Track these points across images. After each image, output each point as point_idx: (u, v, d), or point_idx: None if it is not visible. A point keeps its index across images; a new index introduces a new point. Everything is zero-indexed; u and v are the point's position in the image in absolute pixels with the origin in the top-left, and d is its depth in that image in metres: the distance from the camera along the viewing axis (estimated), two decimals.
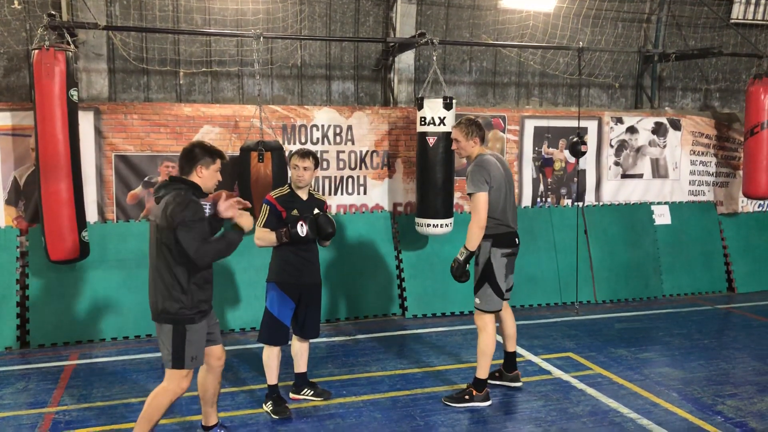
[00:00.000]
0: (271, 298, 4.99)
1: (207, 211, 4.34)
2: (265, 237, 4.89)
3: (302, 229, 4.82)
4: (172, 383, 4.04)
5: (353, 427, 4.80)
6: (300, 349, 5.23)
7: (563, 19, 8.75)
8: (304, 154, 4.97)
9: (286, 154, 7.13)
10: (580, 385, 5.60)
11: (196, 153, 4.05)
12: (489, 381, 5.49)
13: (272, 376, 5.04)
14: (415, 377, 5.79)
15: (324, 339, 6.74)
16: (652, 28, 9.56)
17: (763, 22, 9.92)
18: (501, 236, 5.16)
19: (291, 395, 5.29)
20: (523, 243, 8.21)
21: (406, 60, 8.38)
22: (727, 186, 9.57)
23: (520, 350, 6.51)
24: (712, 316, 7.94)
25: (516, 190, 5.57)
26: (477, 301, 5.19)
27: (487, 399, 5.21)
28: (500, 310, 5.25)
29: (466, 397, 5.18)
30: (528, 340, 6.86)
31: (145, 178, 7.25)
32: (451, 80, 8.76)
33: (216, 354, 4.31)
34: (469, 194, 5.07)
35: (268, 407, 5.04)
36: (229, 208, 4.13)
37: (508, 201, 5.22)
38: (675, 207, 9.18)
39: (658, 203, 9.15)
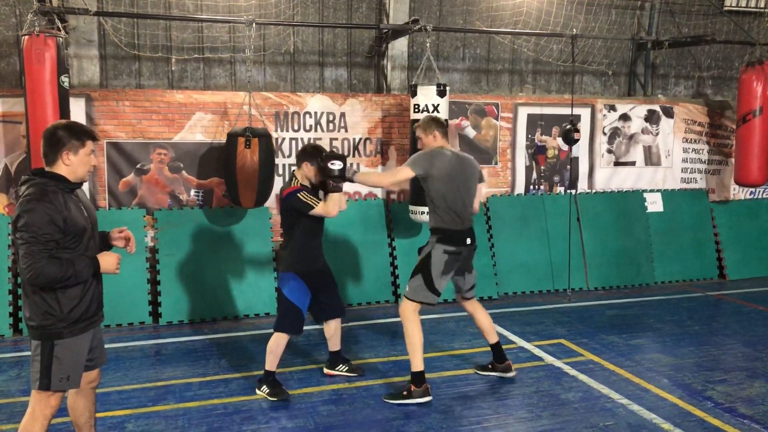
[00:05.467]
0: (291, 288, 5.02)
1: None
2: (332, 202, 4.94)
3: (339, 167, 4.82)
4: (38, 406, 3.43)
5: (346, 413, 4.82)
6: (335, 330, 5.39)
7: (557, 5, 8.73)
8: None
9: (275, 138, 7.11)
10: (572, 372, 5.64)
11: (60, 137, 3.33)
12: (482, 374, 5.55)
13: (274, 363, 5.06)
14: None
15: (318, 326, 6.74)
16: (646, 15, 9.55)
17: (756, 10, 9.93)
18: (450, 233, 5.05)
19: (325, 370, 5.47)
20: (515, 230, 8.37)
21: (399, 47, 8.35)
22: (719, 174, 9.61)
23: (512, 337, 6.55)
24: (703, 303, 8.00)
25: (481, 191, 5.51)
26: (407, 289, 5.14)
27: (426, 394, 5.02)
28: (432, 304, 5.18)
29: (405, 393, 5.03)
30: (520, 326, 6.90)
31: (137, 166, 7.23)
32: (444, 67, 8.73)
33: (89, 378, 3.70)
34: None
35: (263, 392, 5.04)
36: (119, 240, 3.68)
37: (464, 198, 5.10)
38: (667, 194, 9.22)
39: (651, 191, 9.19)
